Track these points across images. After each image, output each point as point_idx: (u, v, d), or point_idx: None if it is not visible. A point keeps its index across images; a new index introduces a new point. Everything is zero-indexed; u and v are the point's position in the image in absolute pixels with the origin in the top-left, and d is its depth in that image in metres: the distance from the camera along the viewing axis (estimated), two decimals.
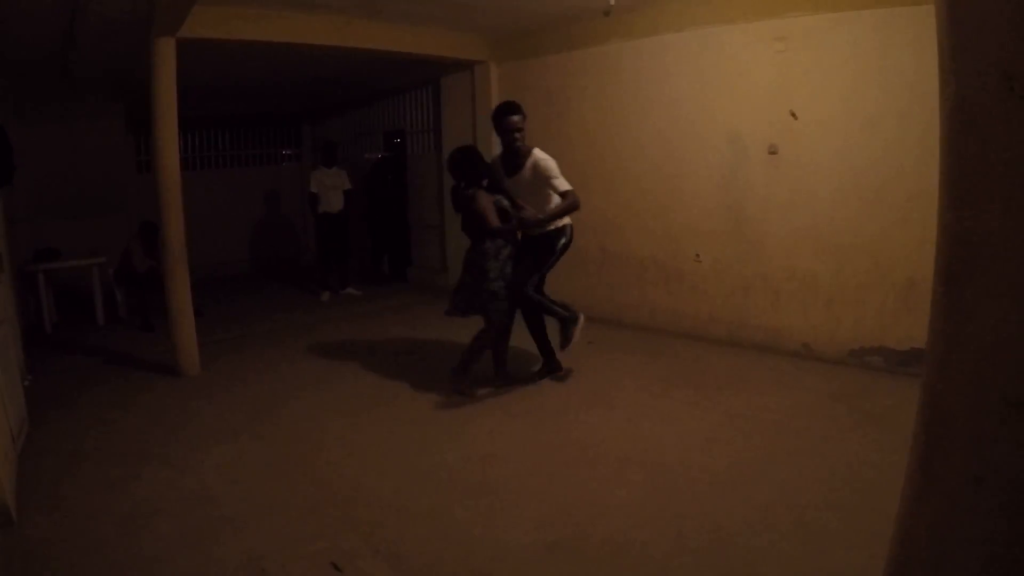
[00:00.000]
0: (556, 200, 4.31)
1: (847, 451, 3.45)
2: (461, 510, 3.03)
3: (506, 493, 3.18)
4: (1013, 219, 0.93)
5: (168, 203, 4.96)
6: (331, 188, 7.88)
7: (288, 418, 4.25)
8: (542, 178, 4.22)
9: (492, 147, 6.53)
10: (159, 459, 3.66)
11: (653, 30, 5.62)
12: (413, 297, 8.01)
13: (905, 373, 4.40)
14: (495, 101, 7.04)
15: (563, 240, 4.44)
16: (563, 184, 4.20)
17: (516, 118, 4.22)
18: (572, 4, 5.52)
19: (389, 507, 3.08)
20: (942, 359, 1.07)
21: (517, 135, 4.24)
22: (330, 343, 5.99)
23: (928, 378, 1.11)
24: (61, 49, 5.56)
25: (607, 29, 5.85)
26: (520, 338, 4.75)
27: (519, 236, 4.44)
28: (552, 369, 4.70)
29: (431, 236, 8.61)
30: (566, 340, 4.42)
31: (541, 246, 4.40)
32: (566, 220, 4.37)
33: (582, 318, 4.47)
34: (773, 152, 5.01)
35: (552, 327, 4.65)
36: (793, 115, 4.87)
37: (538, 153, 4.27)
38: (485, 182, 4.31)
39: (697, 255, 5.62)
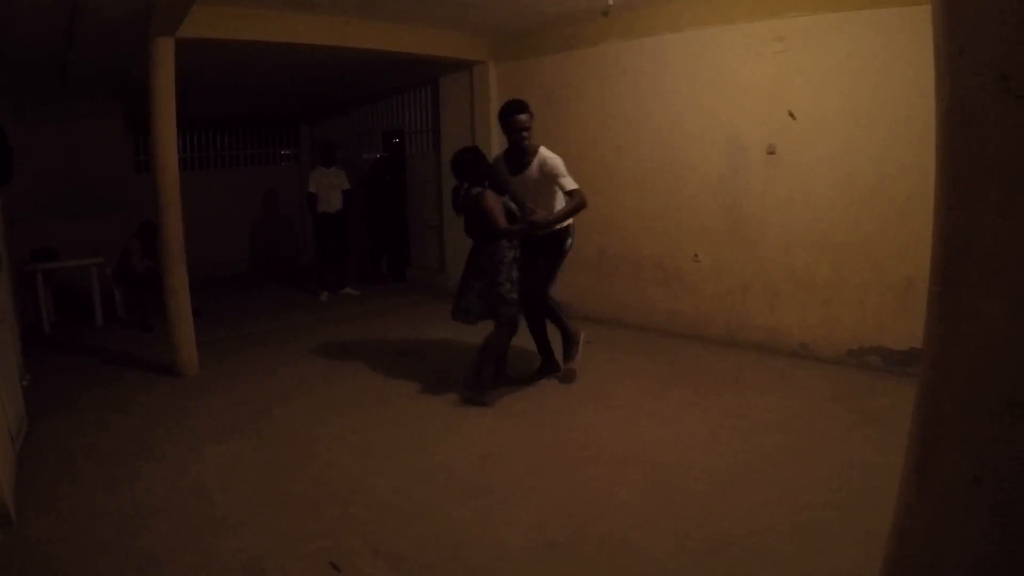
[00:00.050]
0: (559, 199, 4.31)
1: (846, 451, 3.45)
2: (460, 510, 3.03)
3: (505, 493, 3.18)
4: (1009, 219, 0.93)
5: (167, 203, 4.96)
6: (330, 188, 7.88)
7: (287, 418, 4.25)
8: (549, 176, 4.20)
9: (491, 147, 6.55)
10: (158, 459, 3.66)
11: (652, 30, 5.63)
12: (412, 297, 8.01)
13: (903, 373, 4.40)
14: (494, 101, 7.07)
15: (570, 240, 4.45)
16: (570, 183, 4.18)
17: (524, 116, 4.19)
18: (571, 4, 5.53)
19: (388, 507, 3.08)
20: (938, 359, 1.08)
21: (525, 134, 4.20)
22: (329, 343, 5.99)
23: (924, 378, 1.11)
24: (60, 49, 5.56)
25: (606, 29, 5.85)
26: (518, 337, 4.74)
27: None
28: (551, 369, 4.70)
29: (430, 236, 8.61)
30: (570, 358, 4.58)
31: (550, 247, 4.39)
32: (569, 220, 4.37)
33: (583, 337, 4.54)
34: (772, 152, 5.02)
35: (552, 328, 4.66)
36: (792, 115, 4.87)
37: (545, 151, 4.25)
38: (487, 183, 4.25)
39: (696, 255, 5.62)
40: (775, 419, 3.91)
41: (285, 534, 2.85)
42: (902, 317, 4.49)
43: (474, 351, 5.42)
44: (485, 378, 4.34)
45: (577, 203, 4.17)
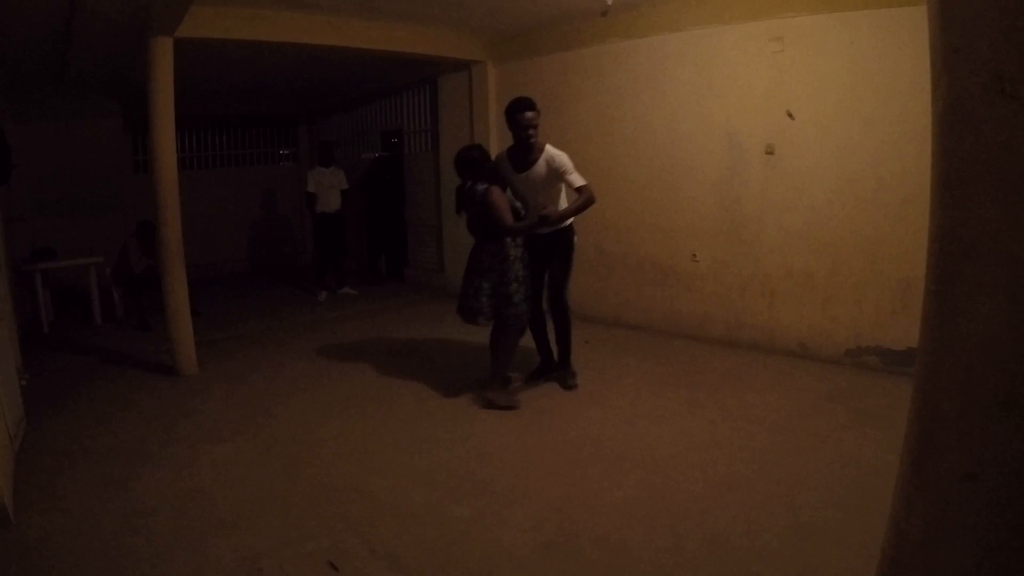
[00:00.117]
0: (563, 197, 4.31)
1: (844, 450, 3.46)
2: (458, 509, 3.03)
3: (502, 492, 3.18)
4: (1004, 218, 0.94)
5: (165, 203, 4.96)
6: (328, 188, 7.88)
7: (285, 417, 4.25)
8: (557, 173, 4.19)
9: (491, 146, 6.55)
10: (156, 458, 3.66)
11: (650, 30, 5.63)
12: (410, 297, 8.01)
13: (902, 373, 4.41)
14: (492, 101, 7.08)
15: (576, 237, 4.45)
16: (579, 179, 4.16)
17: (531, 114, 4.15)
18: (569, 4, 5.53)
19: (386, 506, 3.08)
20: (934, 357, 1.08)
21: (532, 131, 4.17)
22: (327, 343, 5.99)
23: (920, 376, 1.12)
24: (59, 49, 5.55)
25: (604, 29, 5.86)
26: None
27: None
28: (549, 369, 4.70)
29: (428, 236, 8.61)
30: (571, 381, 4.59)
31: (559, 247, 4.38)
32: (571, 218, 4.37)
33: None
34: (770, 152, 5.02)
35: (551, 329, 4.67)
36: (790, 115, 4.88)
37: (551, 149, 4.23)
38: (492, 181, 4.20)
39: (694, 255, 5.63)
40: (773, 419, 3.92)
41: (283, 533, 2.86)
42: (900, 317, 4.50)
43: (473, 350, 5.45)
44: (500, 379, 4.34)
45: (587, 198, 4.14)
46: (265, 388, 4.83)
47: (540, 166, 4.22)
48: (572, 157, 4.23)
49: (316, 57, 6.54)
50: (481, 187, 4.11)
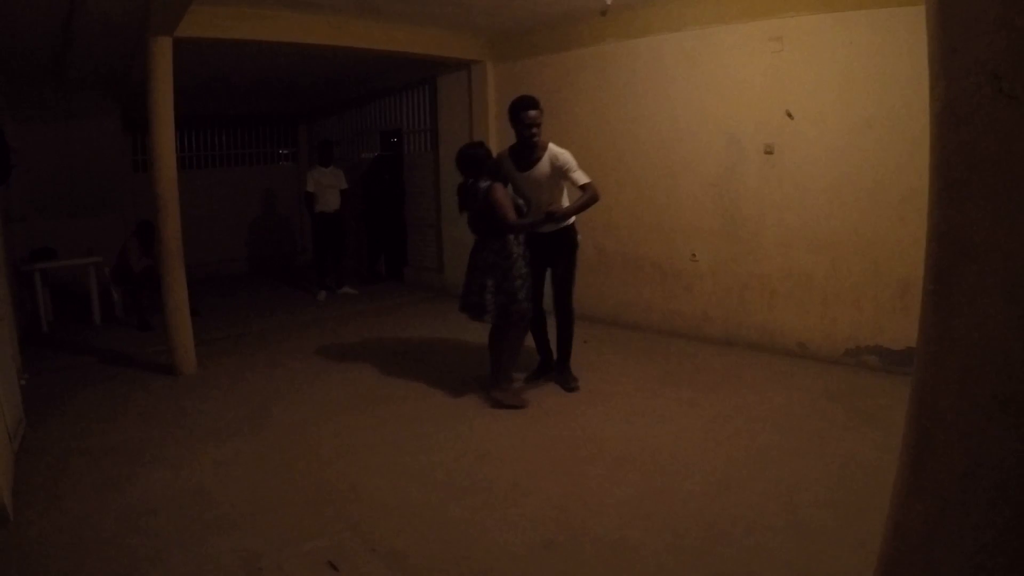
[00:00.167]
0: (565, 196, 4.31)
1: (843, 450, 3.46)
2: (457, 509, 3.03)
3: (502, 492, 3.18)
4: (1001, 218, 0.94)
5: (164, 202, 4.96)
6: (328, 188, 7.88)
7: (284, 417, 4.25)
8: (560, 172, 4.18)
9: (491, 146, 6.54)
10: (155, 458, 3.66)
11: (649, 30, 5.63)
12: (409, 297, 8.01)
13: (901, 372, 4.41)
14: (492, 101, 7.08)
15: (579, 236, 4.45)
16: (583, 176, 4.16)
17: (534, 113, 4.15)
18: (569, 4, 5.54)
19: (385, 505, 3.09)
20: (932, 357, 1.08)
21: (535, 130, 4.16)
22: (326, 342, 5.99)
23: (918, 375, 1.12)
24: (58, 48, 5.55)
25: (603, 29, 5.86)
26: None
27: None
28: (549, 369, 4.70)
29: (428, 235, 8.61)
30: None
31: (564, 245, 4.38)
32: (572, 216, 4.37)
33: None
34: (769, 152, 5.03)
35: (551, 330, 4.67)
36: (789, 115, 4.88)
37: (554, 147, 4.22)
38: (495, 178, 4.18)
39: (693, 254, 5.63)
40: (772, 418, 3.92)
41: (283, 533, 2.86)
42: (899, 317, 4.50)
43: (473, 349, 5.45)
44: (509, 378, 4.33)
45: (591, 196, 4.13)
46: (264, 387, 4.83)
47: (543, 164, 4.22)
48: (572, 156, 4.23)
49: (315, 57, 6.54)
50: (484, 184, 4.10)
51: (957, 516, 1.05)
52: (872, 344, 4.69)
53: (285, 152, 11.27)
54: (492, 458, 3.56)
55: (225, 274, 9.78)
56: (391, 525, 2.91)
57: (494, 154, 4.47)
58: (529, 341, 4.61)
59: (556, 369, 4.63)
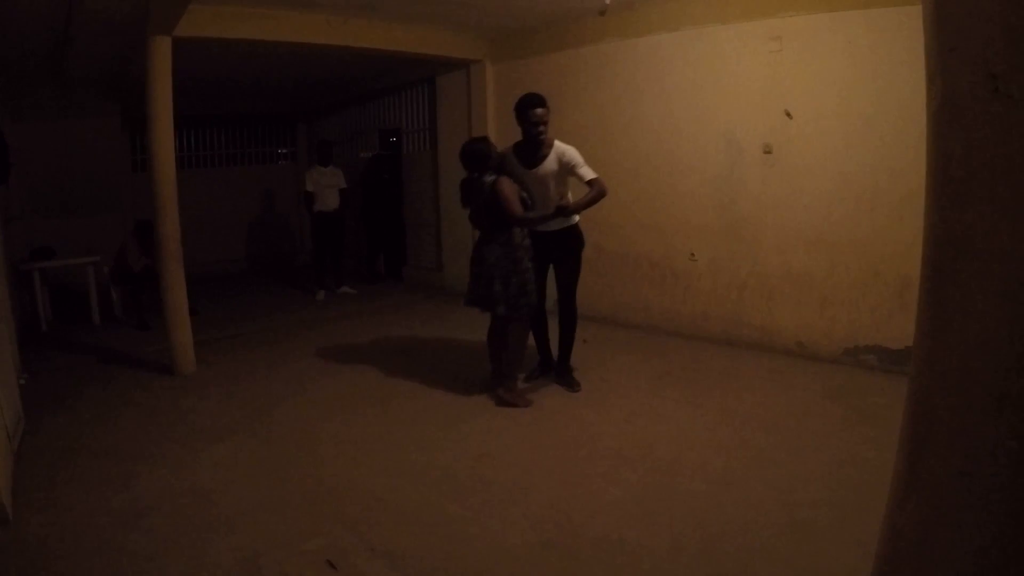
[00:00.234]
0: (568, 195, 4.31)
1: (841, 449, 3.47)
2: (456, 508, 3.03)
3: (501, 491, 3.18)
4: (998, 217, 0.94)
5: (163, 202, 4.96)
6: (327, 187, 7.88)
7: (283, 417, 4.25)
8: (568, 168, 4.19)
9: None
10: (154, 457, 3.66)
11: (648, 29, 5.64)
12: (408, 296, 8.01)
13: (900, 372, 4.41)
14: (491, 100, 7.08)
15: (582, 234, 4.45)
16: (590, 172, 4.17)
17: (541, 110, 4.15)
18: (567, 3, 5.54)
19: (384, 505, 3.09)
20: (929, 355, 1.09)
21: (542, 128, 4.16)
22: (325, 342, 5.98)
23: (915, 374, 1.12)
24: (58, 48, 5.56)
25: (602, 28, 5.86)
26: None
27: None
28: (548, 368, 4.71)
29: (427, 235, 8.62)
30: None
31: (570, 243, 4.38)
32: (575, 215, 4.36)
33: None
34: (768, 151, 5.03)
35: (551, 332, 4.67)
36: (788, 114, 4.89)
37: (560, 144, 4.23)
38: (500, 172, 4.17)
39: (692, 254, 5.63)
40: (771, 417, 3.93)
41: (282, 532, 2.86)
42: (898, 316, 4.51)
43: (472, 348, 5.45)
44: (514, 378, 4.32)
45: (599, 191, 4.13)
46: (263, 387, 4.83)
47: (551, 161, 4.22)
48: None
49: (314, 56, 6.54)
50: (490, 178, 4.09)
51: (953, 514, 1.05)
52: (871, 343, 4.69)
53: (284, 152, 11.27)
54: (491, 457, 3.56)
55: (224, 274, 9.77)
56: (390, 524, 2.91)
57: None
58: (529, 340, 4.62)
59: (556, 369, 4.63)
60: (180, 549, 2.75)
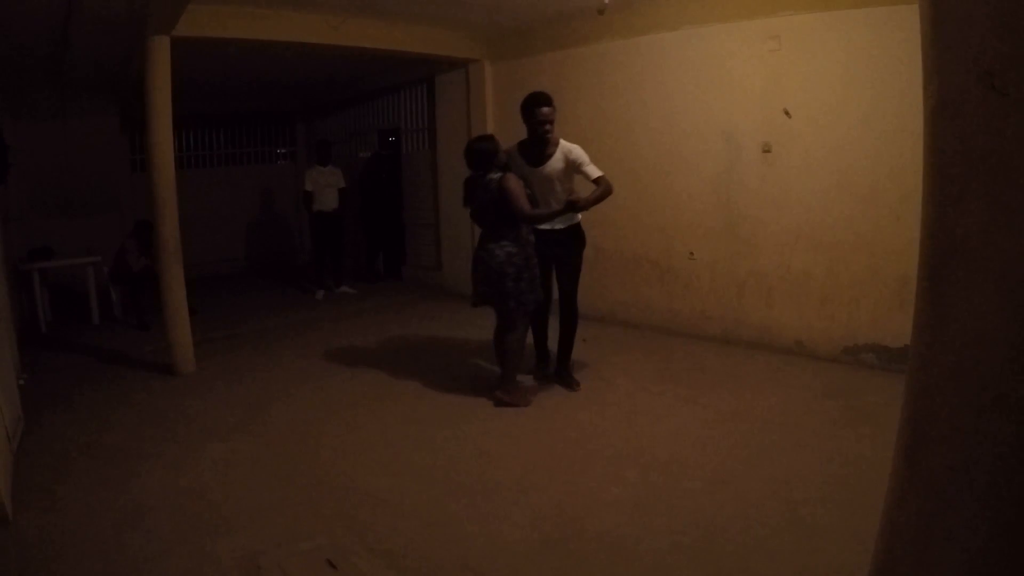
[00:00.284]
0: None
1: (840, 447, 3.47)
2: (456, 507, 3.04)
3: (500, 490, 3.19)
4: (994, 215, 0.94)
5: (162, 202, 4.96)
6: (326, 187, 7.88)
7: (283, 416, 4.25)
8: (574, 166, 4.20)
9: None
10: (154, 457, 3.66)
11: (647, 29, 5.64)
12: (408, 295, 8.01)
13: (899, 370, 4.41)
14: (490, 100, 7.08)
15: (584, 233, 4.46)
16: (595, 170, 4.19)
17: (547, 109, 4.17)
18: (566, 3, 5.54)
19: (384, 504, 3.09)
20: (926, 353, 1.09)
21: (548, 126, 4.18)
22: (325, 342, 5.98)
23: (912, 372, 1.12)
24: (56, 48, 5.55)
25: (601, 28, 5.86)
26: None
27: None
28: (546, 366, 4.70)
29: (426, 234, 8.61)
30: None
31: (573, 241, 4.39)
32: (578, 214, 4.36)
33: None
34: (767, 150, 5.03)
35: (551, 332, 4.67)
36: (787, 113, 4.89)
37: (566, 143, 4.24)
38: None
39: (692, 253, 5.63)
40: (770, 416, 3.93)
41: (282, 532, 2.86)
42: (897, 315, 4.51)
43: (471, 348, 5.46)
44: (515, 379, 4.31)
45: (606, 188, 4.15)
46: (263, 387, 4.83)
47: (557, 160, 4.23)
48: None
49: (313, 56, 6.54)
50: (496, 175, 4.07)
51: (951, 512, 1.05)
52: (870, 342, 4.69)
53: (283, 151, 11.26)
54: (490, 456, 3.56)
55: (223, 274, 9.77)
56: (390, 524, 2.91)
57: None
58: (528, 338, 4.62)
59: (557, 368, 4.63)
60: (180, 548, 2.75)
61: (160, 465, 3.57)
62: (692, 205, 5.57)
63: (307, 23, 5.55)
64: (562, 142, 4.25)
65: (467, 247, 7.19)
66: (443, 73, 7.67)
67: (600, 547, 2.68)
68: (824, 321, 4.91)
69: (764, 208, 5.13)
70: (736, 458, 3.41)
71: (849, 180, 4.66)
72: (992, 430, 0.98)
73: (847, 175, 4.66)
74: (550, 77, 6.44)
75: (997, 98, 0.90)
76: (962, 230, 0.99)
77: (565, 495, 3.11)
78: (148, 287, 6.27)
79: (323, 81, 8.85)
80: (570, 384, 4.52)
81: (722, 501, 2.99)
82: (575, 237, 4.41)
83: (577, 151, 4.21)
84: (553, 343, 4.66)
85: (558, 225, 4.29)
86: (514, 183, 4.04)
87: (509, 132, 4.28)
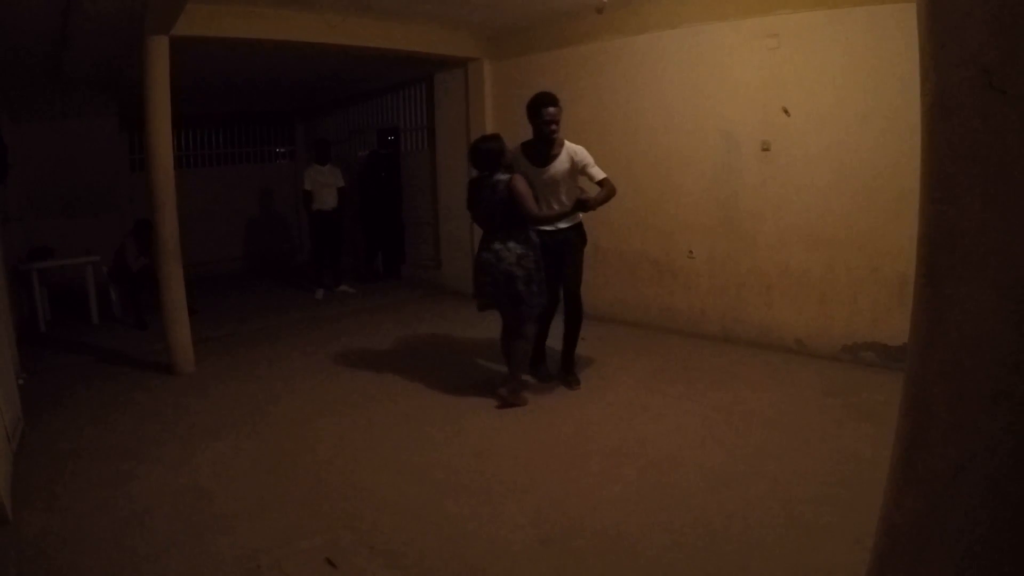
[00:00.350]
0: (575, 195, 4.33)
1: (839, 446, 3.47)
2: (455, 506, 3.04)
3: (500, 489, 3.19)
4: (992, 211, 0.94)
5: (162, 201, 4.96)
6: (325, 186, 7.87)
7: (282, 415, 4.25)
8: (579, 167, 4.22)
9: None
10: (153, 457, 3.67)
11: (646, 27, 5.63)
12: (407, 294, 8.01)
13: (898, 368, 4.41)
14: (488, 98, 7.08)
15: (585, 232, 4.46)
16: (600, 172, 4.22)
17: (554, 109, 4.16)
18: (565, 1, 5.53)
19: (384, 503, 3.09)
20: (924, 350, 1.09)
21: (554, 127, 4.18)
22: (324, 341, 5.98)
23: (910, 369, 1.12)
24: (55, 48, 5.54)
25: (600, 26, 5.86)
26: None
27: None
28: (541, 365, 4.70)
29: (425, 233, 8.61)
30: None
31: (575, 240, 4.40)
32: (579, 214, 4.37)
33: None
34: (766, 149, 5.03)
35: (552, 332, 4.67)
36: (786, 111, 4.89)
37: (570, 144, 4.26)
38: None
39: (690, 251, 5.63)
40: (769, 415, 3.93)
41: (281, 531, 2.86)
42: (896, 313, 4.51)
43: (471, 347, 5.46)
44: (520, 379, 4.29)
45: (611, 189, 4.19)
46: (262, 386, 4.83)
47: (562, 161, 4.23)
48: None
49: (312, 55, 6.53)
50: (504, 176, 4.05)
51: (949, 509, 1.06)
52: (869, 340, 4.70)
53: (282, 151, 11.25)
54: (490, 455, 3.57)
55: (223, 273, 9.76)
56: (389, 522, 2.91)
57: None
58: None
59: (561, 366, 4.64)
60: (180, 547, 2.75)
61: (160, 464, 3.57)
62: (691, 203, 5.57)
63: (306, 22, 5.54)
64: (567, 143, 4.26)
65: (466, 246, 7.19)
66: (442, 72, 7.67)
67: (598, 545, 2.68)
68: (823, 319, 4.91)
69: (763, 206, 5.13)
70: (736, 456, 3.41)
71: (848, 178, 4.66)
72: (990, 427, 0.99)
73: (846, 173, 4.66)
74: (549, 76, 6.43)
75: (995, 95, 0.90)
76: (959, 226, 1.00)
77: (564, 493, 3.11)
78: (147, 286, 6.26)
79: (322, 80, 8.84)
80: (570, 382, 4.52)
81: (721, 499, 2.99)
82: (578, 236, 4.43)
83: (582, 152, 4.22)
84: (552, 342, 4.66)
85: (563, 224, 4.30)
86: (523, 185, 4.04)
87: (509, 131, 4.28)
